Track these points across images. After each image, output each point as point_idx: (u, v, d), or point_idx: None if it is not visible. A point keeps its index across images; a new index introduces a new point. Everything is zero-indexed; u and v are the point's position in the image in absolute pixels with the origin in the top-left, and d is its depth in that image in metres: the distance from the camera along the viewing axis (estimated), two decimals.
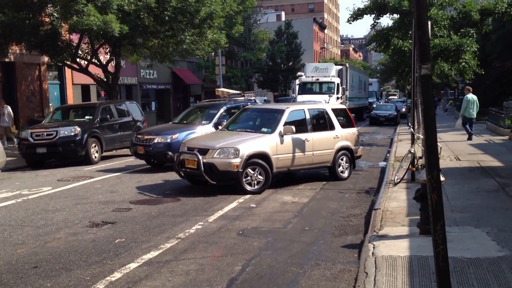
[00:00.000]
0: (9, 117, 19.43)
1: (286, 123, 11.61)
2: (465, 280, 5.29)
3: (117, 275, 6.03)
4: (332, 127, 12.61)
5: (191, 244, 7.27)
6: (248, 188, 10.84)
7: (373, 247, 6.50)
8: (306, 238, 7.56)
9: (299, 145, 11.72)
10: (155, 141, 14.23)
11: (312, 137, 11.98)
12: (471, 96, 19.46)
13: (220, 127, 13.69)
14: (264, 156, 11.05)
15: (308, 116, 12.28)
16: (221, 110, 15.36)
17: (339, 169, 12.59)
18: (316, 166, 12.42)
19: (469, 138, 19.37)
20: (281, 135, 11.42)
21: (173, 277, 5.93)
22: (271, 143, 11.27)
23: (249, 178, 10.87)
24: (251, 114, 13.29)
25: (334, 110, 13.07)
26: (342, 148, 12.63)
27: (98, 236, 7.78)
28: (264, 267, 6.24)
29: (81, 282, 5.81)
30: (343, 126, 12.92)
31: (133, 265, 6.36)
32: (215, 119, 14.89)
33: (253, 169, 10.89)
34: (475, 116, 19.74)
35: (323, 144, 12.24)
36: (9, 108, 19.32)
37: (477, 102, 19.64)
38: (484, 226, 7.28)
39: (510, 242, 6.49)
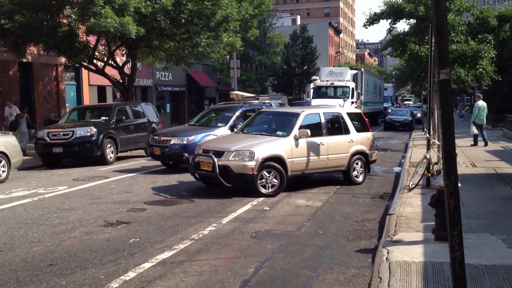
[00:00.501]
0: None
1: (301, 127, 11.61)
2: (480, 287, 5.24)
3: (131, 274, 6.07)
4: (347, 131, 12.58)
5: (204, 245, 7.30)
6: (263, 191, 10.84)
7: (387, 252, 6.47)
8: (320, 241, 7.55)
9: (314, 148, 11.70)
10: (171, 142, 14.31)
11: (327, 141, 11.96)
12: (481, 103, 19.88)
13: (235, 130, 13.74)
14: (279, 159, 11.05)
15: (323, 120, 12.25)
16: (237, 113, 15.41)
17: (353, 173, 12.54)
18: (330, 170, 12.39)
19: (485, 144, 19.69)
20: (296, 139, 11.41)
21: (187, 278, 5.96)
22: (286, 147, 11.27)
23: (263, 181, 10.87)
24: (266, 117, 13.31)
25: (349, 114, 13.04)
26: (357, 153, 12.58)
27: (113, 235, 7.84)
28: (277, 270, 6.24)
29: (95, 281, 5.86)
30: (358, 130, 12.88)
31: (147, 265, 6.40)
32: (230, 122, 14.95)
33: (268, 172, 10.90)
34: (485, 123, 20.18)
35: (338, 148, 12.21)
36: (17, 109, 19.47)
37: (486, 108, 20.16)
38: (500, 233, 7.22)
39: None
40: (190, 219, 8.92)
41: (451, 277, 3.94)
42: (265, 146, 11.07)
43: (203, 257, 6.77)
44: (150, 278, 5.96)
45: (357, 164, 12.61)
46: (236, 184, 11.22)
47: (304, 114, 12.03)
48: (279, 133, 11.85)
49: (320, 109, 13.57)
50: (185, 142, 14.22)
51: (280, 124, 12.37)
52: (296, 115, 12.01)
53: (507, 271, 5.67)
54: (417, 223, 8.04)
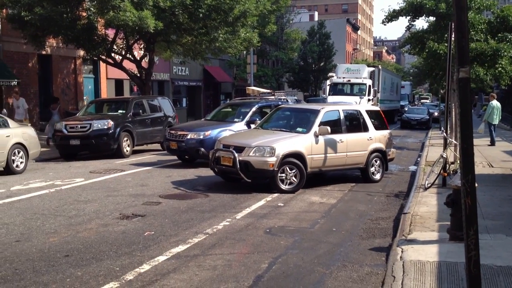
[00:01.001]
0: (23, 110, 19.49)
1: (321, 124, 11.60)
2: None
3: (146, 267, 6.13)
4: (366, 129, 12.52)
5: (218, 240, 7.33)
6: (283, 187, 10.87)
7: (401, 251, 6.44)
8: (333, 239, 7.54)
9: (333, 146, 11.69)
10: (188, 137, 14.38)
11: (346, 138, 11.93)
12: (495, 103, 19.91)
13: (252, 125, 13.76)
14: (299, 156, 11.07)
15: (342, 117, 12.22)
16: (253, 109, 15.40)
17: (371, 171, 12.49)
18: (349, 167, 12.39)
19: (492, 144, 19.73)
20: (316, 136, 11.41)
21: (200, 272, 6.00)
22: (306, 143, 11.27)
23: (283, 176, 10.89)
24: (285, 113, 13.30)
25: (368, 112, 12.98)
26: (375, 150, 12.52)
27: (128, 228, 7.91)
28: (291, 266, 6.25)
29: (111, 272, 5.93)
30: (377, 128, 12.80)
31: (161, 258, 6.45)
32: (247, 117, 14.98)
33: (290, 168, 10.92)
34: (497, 123, 20.23)
35: (357, 145, 12.17)
36: (24, 101, 19.57)
37: (500, 109, 20.19)
38: None
39: None
40: (204, 213, 8.97)
41: (466, 277, 3.93)
42: (286, 142, 11.08)
43: (217, 251, 6.81)
44: (165, 271, 6.02)
45: (375, 162, 12.57)
46: (256, 180, 11.26)
47: (324, 111, 12.00)
48: (299, 129, 11.84)
49: (339, 106, 13.57)
50: (201, 137, 14.27)
51: (299, 121, 12.35)
52: (316, 112, 11.99)
53: None
54: (432, 223, 7.99)
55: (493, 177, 12.37)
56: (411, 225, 7.80)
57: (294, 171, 10.94)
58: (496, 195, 10.16)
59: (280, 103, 16.10)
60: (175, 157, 15.77)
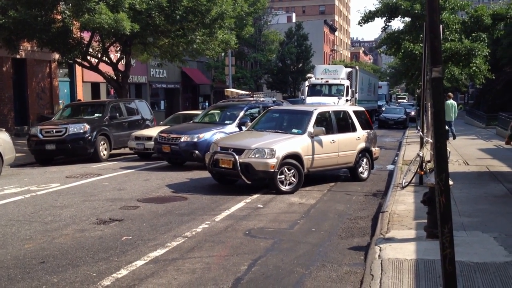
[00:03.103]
0: None
1: (315, 125, 11.81)
2: (472, 284, 5.26)
3: (123, 272, 6.05)
4: (354, 129, 12.82)
5: (197, 243, 7.29)
6: (283, 188, 10.97)
7: (380, 250, 6.48)
8: (313, 239, 7.56)
9: (327, 146, 11.91)
10: (182, 140, 14.38)
11: (337, 138, 12.18)
12: (450, 102, 21.35)
13: (243, 127, 13.80)
14: (297, 157, 11.23)
15: (333, 118, 12.50)
16: (243, 111, 15.57)
17: (359, 170, 12.77)
18: (340, 166, 12.66)
19: (453, 138, 21.69)
20: (311, 136, 11.62)
21: (179, 275, 5.95)
22: (303, 144, 11.45)
23: (282, 177, 10.99)
24: (277, 115, 13.38)
25: (355, 112, 13.32)
26: (362, 150, 12.83)
27: (105, 233, 7.81)
28: (270, 267, 6.24)
29: (87, 278, 5.84)
30: (363, 128, 13.13)
31: (139, 263, 6.38)
32: (238, 119, 15.07)
33: (288, 169, 11.04)
34: (453, 119, 21.72)
35: (347, 145, 12.43)
36: None
37: (456, 107, 22.01)
38: (492, 231, 7.24)
39: None
40: (183, 216, 8.91)
41: (442, 274, 3.95)
42: (284, 144, 11.21)
43: (196, 254, 6.77)
44: (142, 275, 5.95)
45: (362, 160, 12.87)
46: (256, 181, 11.35)
47: (317, 112, 12.22)
48: (294, 130, 12.00)
49: (329, 107, 13.94)
50: (195, 139, 14.32)
51: (292, 122, 12.55)
52: (310, 113, 12.16)
53: (498, 268, 5.69)
54: (409, 221, 8.06)
55: (469, 175, 12.54)
56: (389, 224, 7.86)
57: (292, 171, 11.08)
58: (472, 192, 10.30)
59: (270, 104, 16.23)
60: (153, 161, 15.64)
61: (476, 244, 6.65)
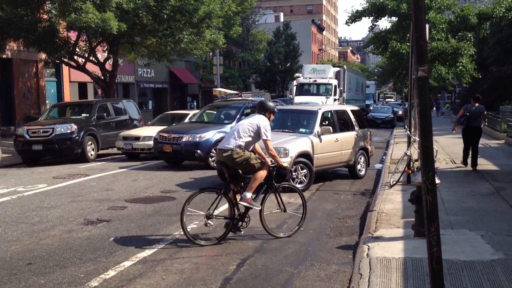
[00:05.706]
0: None
1: (321, 124, 12.04)
2: (459, 282, 5.30)
3: (111, 273, 6.02)
4: (353, 128, 13.14)
5: (186, 242, 7.26)
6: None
7: (368, 249, 6.50)
8: (301, 238, 7.56)
9: (332, 145, 12.19)
10: (184, 140, 14.39)
11: (340, 137, 12.47)
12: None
13: None
14: (307, 156, 11.43)
15: (335, 117, 12.77)
16: (242, 110, 15.67)
17: (358, 167, 13.06)
18: (342, 165, 12.91)
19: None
20: (319, 135, 11.84)
21: (168, 276, 5.92)
22: (311, 143, 11.68)
23: (294, 176, 11.12)
24: (280, 115, 13.37)
25: (352, 111, 13.62)
26: (361, 148, 13.15)
27: (93, 234, 7.76)
28: (259, 267, 6.24)
29: (75, 280, 5.80)
30: (360, 127, 13.47)
31: (127, 263, 6.35)
32: (237, 119, 15.07)
33: (301, 168, 11.22)
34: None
35: (348, 143, 12.73)
36: None
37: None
38: (479, 229, 7.30)
39: (504, 245, 6.51)
40: (171, 216, 8.87)
41: (429, 272, 3.98)
42: (296, 143, 11.36)
43: (184, 255, 6.75)
44: (131, 276, 5.92)
45: (361, 159, 13.20)
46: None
47: (321, 112, 12.49)
48: (302, 130, 12.22)
49: (331, 106, 14.28)
50: (197, 139, 14.37)
51: (299, 122, 12.84)
52: (315, 113, 12.42)
53: (485, 266, 5.74)
54: (397, 220, 8.10)
55: (456, 174, 12.64)
56: (377, 223, 7.89)
57: (305, 170, 11.25)
58: (459, 191, 10.37)
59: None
60: (141, 161, 15.56)
61: (463, 242, 6.69)
